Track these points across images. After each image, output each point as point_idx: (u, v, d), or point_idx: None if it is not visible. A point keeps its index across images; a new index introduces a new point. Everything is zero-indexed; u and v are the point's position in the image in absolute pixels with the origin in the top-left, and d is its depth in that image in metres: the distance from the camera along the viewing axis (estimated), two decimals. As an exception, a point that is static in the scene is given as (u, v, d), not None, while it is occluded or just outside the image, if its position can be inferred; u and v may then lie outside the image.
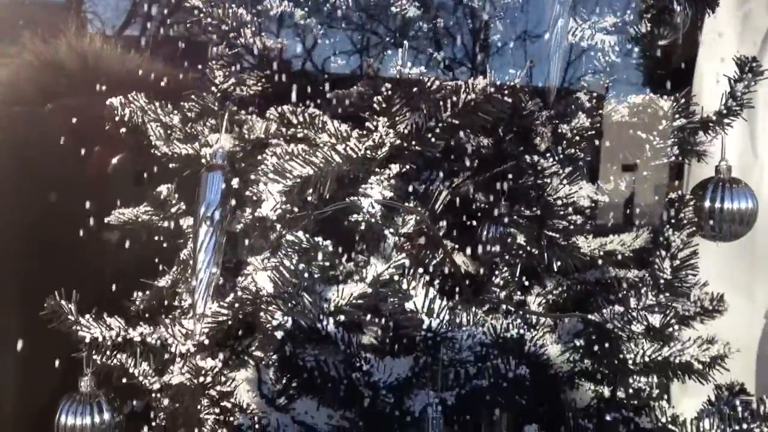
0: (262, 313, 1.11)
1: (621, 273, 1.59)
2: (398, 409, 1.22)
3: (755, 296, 2.31)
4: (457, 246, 1.57)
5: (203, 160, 1.37)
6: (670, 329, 1.21)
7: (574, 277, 1.67)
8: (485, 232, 1.63)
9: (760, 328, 2.31)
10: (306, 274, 1.07)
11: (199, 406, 1.46)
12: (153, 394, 1.42)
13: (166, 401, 1.47)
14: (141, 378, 1.39)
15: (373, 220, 1.16)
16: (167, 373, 1.44)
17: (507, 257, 1.46)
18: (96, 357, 1.37)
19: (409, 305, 1.10)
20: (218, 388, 1.14)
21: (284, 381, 1.16)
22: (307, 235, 1.10)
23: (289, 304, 1.08)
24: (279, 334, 1.10)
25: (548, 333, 1.48)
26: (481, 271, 1.54)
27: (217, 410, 1.15)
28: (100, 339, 1.21)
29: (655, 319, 1.20)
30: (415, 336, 1.13)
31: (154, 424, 1.58)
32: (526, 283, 1.56)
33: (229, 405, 1.16)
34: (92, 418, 1.41)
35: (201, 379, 1.11)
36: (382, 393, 1.16)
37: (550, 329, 1.50)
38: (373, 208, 1.17)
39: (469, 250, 1.57)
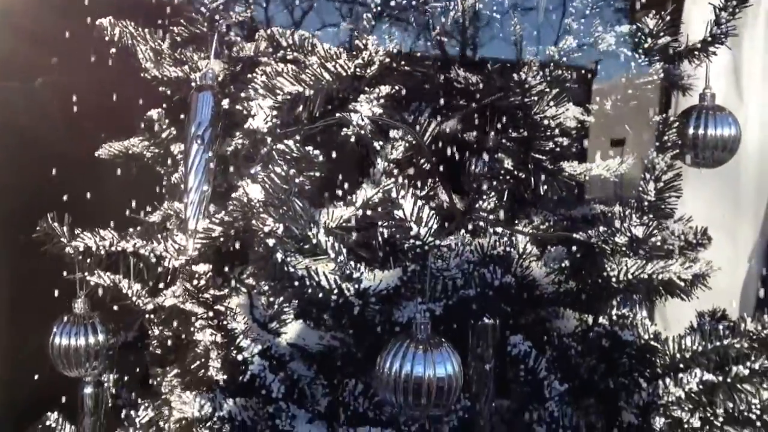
0: (254, 221, 1.12)
1: (606, 208, 1.63)
2: (387, 321, 1.25)
3: (738, 239, 2.35)
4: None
5: (193, 84, 1.38)
6: (653, 240, 1.23)
7: (560, 212, 1.70)
8: (473, 167, 1.66)
9: (744, 271, 2.36)
10: (297, 180, 1.08)
11: (192, 328, 1.49)
12: (146, 315, 1.45)
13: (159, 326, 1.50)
14: (134, 298, 1.41)
15: (362, 132, 1.18)
16: (160, 296, 1.47)
17: (494, 183, 1.49)
18: (90, 277, 1.39)
19: (398, 213, 1.11)
20: (212, 291, 1.16)
21: (275, 288, 1.18)
22: (298, 145, 1.11)
23: (280, 211, 1.09)
24: (270, 242, 1.12)
25: (534, 261, 1.51)
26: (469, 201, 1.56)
27: (211, 314, 1.17)
28: (94, 248, 1.22)
29: (638, 231, 1.23)
30: (404, 245, 1.15)
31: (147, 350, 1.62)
32: (515, 219, 1.59)
33: (222, 308, 1.18)
34: (86, 338, 1.43)
35: (195, 282, 1.13)
36: (371, 302, 1.18)
37: (536, 258, 1.52)
38: (363, 120, 1.18)
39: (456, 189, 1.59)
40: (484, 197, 1.46)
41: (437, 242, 1.13)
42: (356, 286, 1.18)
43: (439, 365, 1.13)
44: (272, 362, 1.31)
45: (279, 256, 1.12)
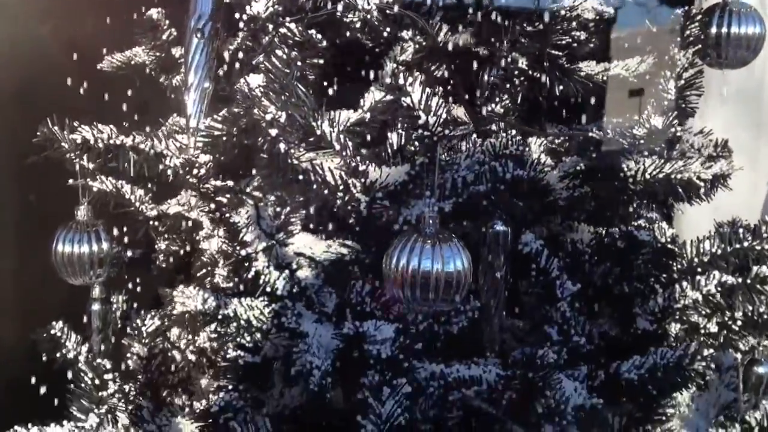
0: (255, 110, 1.08)
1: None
2: (395, 221, 1.21)
3: (759, 163, 2.28)
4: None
5: (194, -20, 1.33)
6: (673, 130, 1.18)
7: (576, 126, 1.64)
8: (486, 76, 1.59)
9: (763, 194, 2.30)
10: (299, 63, 1.03)
11: (196, 236, 1.47)
12: (151, 223, 1.42)
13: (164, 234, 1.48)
14: (137, 204, 1.38)
15: (369, 16, 1.12)
16: (164, 203, 1.44)
17: (508, 85, 1.43)
18: (92, 182, 1.36)
19: (405, 101, 1.07)
20: (213, 182, 1.12)
21: (280, 187, 1.14)
22: (300, 28, 1.06)
23: (282, 97, 1.05)
24: (273, 132, 1.08)
25: (549, 171, 1.46)
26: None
27: (212, 206, 1.14)
28: (92, 141, 1.19)
29: (658, 121, 1.18)
30: (412, 134, 1.11)
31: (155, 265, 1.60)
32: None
33: (224, 200, 1.14)
34: (90, 246, 1.40)
35: (196, 172, 1.10)
36: (378, 197, 1.15)
37: (551, 168, 1.47)
38: (369, 4, 1.13)
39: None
40: (497, 100, 1.41)
41: (446, 132, 1.09)
42: (362, 180, 1.14)
43: (447, 260, 1.09)
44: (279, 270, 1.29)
45: (282, 146, 1.08)
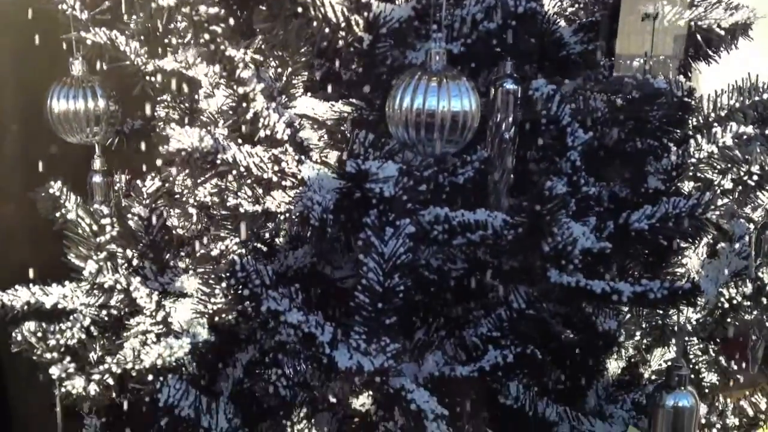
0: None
1: None
2: (401, 66, 1.16)
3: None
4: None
5: None
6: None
7: None
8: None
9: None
10: None
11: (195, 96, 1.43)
12: (146, 78, 1.38)
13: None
14: (133, 57, 1.34)
15: None
16: (159, 58, 1.39)
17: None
18: (85, 34, 1.31)
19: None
20: (207, 9, 1.07)
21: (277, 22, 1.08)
22: None
23: None
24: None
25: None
26: None
27: (207, 36, 1.09)
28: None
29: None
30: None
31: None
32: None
33: (219, 30, 1.09)
34: (86, 102, 1.36)
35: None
36: (382, 34, 1.09)
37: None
38: None
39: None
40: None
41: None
42: (366, 14, 1.08)
43: (454, 98, 1.04)
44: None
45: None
